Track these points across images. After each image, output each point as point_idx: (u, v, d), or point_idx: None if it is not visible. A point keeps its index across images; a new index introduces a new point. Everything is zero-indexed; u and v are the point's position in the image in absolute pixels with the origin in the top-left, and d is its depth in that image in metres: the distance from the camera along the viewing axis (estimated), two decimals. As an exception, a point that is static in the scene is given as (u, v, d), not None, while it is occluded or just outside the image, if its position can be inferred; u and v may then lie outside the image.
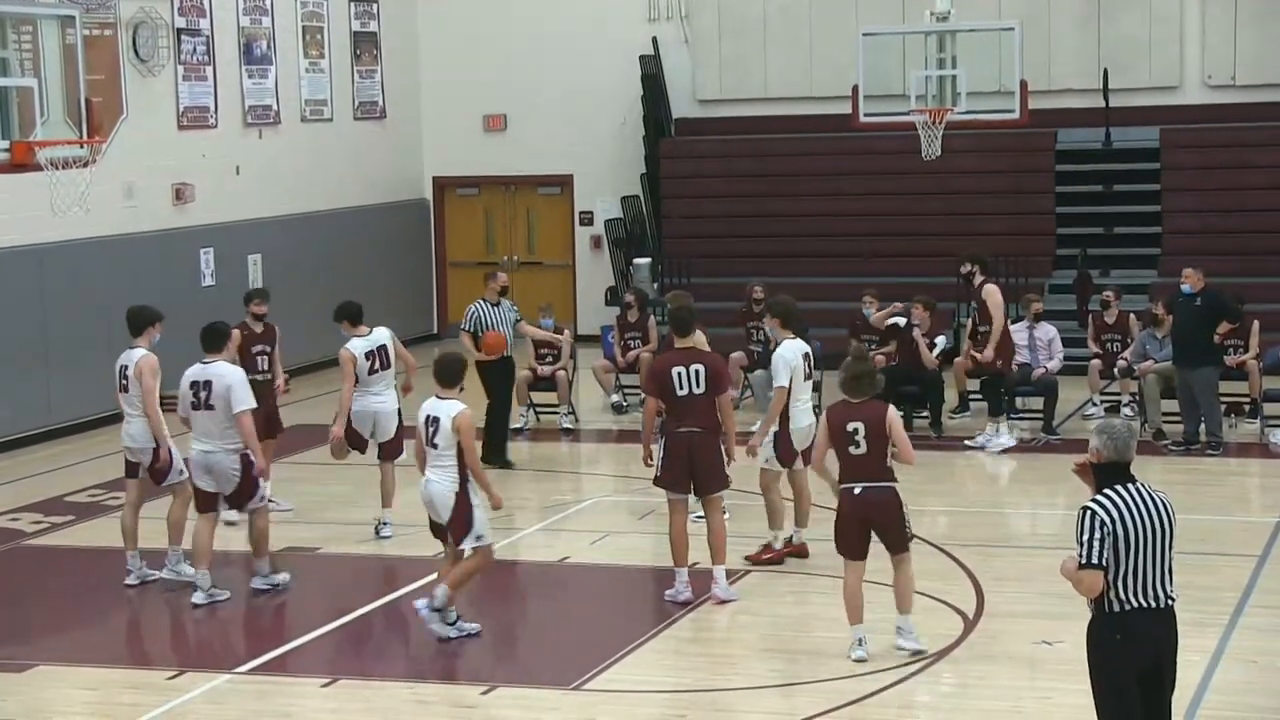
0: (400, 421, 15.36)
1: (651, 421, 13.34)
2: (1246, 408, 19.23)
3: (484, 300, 18.57)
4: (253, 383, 14.10)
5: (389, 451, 15.38)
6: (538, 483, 17.97)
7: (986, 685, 11.34)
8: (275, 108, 24.50)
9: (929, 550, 14.53)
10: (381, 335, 15.43)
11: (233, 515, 14.52)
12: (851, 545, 11.76)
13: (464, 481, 12.08)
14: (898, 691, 11.14)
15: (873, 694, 11.05)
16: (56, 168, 15.33)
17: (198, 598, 13.38)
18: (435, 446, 12.08)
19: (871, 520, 11.72)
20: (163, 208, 22.26)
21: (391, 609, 13.43)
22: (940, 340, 19.71)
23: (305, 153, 25.09)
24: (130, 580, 13.93)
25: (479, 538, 12.16)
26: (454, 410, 12.02)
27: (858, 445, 11.61)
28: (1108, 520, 8.45)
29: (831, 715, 10.72)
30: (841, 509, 11.77)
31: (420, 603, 12.26)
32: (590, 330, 25.74)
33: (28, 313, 20.01)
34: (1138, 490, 8.53)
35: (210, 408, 13.20)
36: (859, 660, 11.60)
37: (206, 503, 13.47)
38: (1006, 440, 18.60)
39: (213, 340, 13.49)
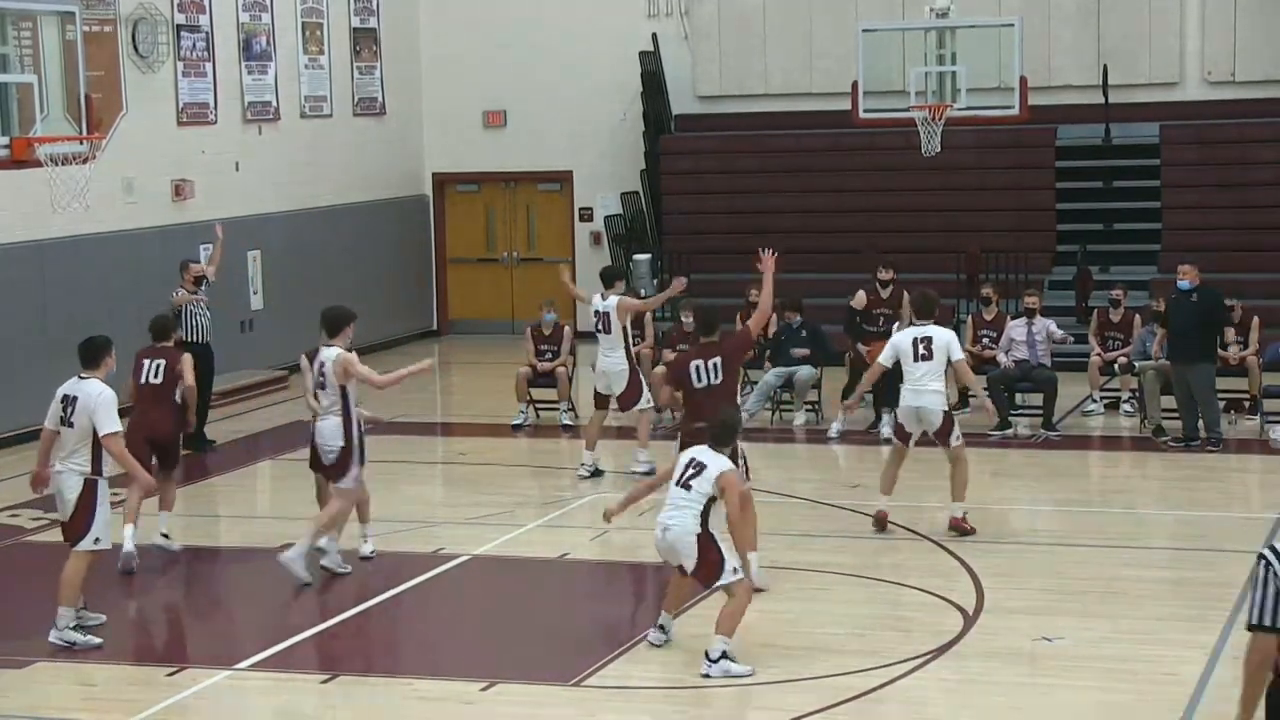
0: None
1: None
2: (1246, 404, 19.23)
3: (182, 288, 18.99)
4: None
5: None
6: (537, 479, 17.98)
7: (987, 681, 11.34)
8: (275, 104, 24.49)
9: (929, 546, 14.55)
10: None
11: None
12: None
13: (705, 525, 11.40)
14: (898, 688, 11.14)
15: (873, 690, 11.05)
16: (56, 164, 15.31)
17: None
18: (688, 489, 11.48)
19: None
20: (162, 204, 22.26)
21: (391, 605, 13.42)
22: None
23: (305, 149, 25.09)
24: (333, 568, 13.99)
25: (734, 570, 11.51)
26: (722, 466, 11.47)
27: None
28: None
29: (832, 711, 10.72)
30: None
31: (708, 670, 11.36)
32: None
33: (28, 308, 20.01)
34: None
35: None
36: None
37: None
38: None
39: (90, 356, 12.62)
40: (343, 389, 13.67)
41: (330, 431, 13.74)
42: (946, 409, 14.85)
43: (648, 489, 12.29)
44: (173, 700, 11.21)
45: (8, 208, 19.49)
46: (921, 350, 14.70)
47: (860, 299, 19.57)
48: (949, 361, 14.88)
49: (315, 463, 14.11)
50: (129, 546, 14.16)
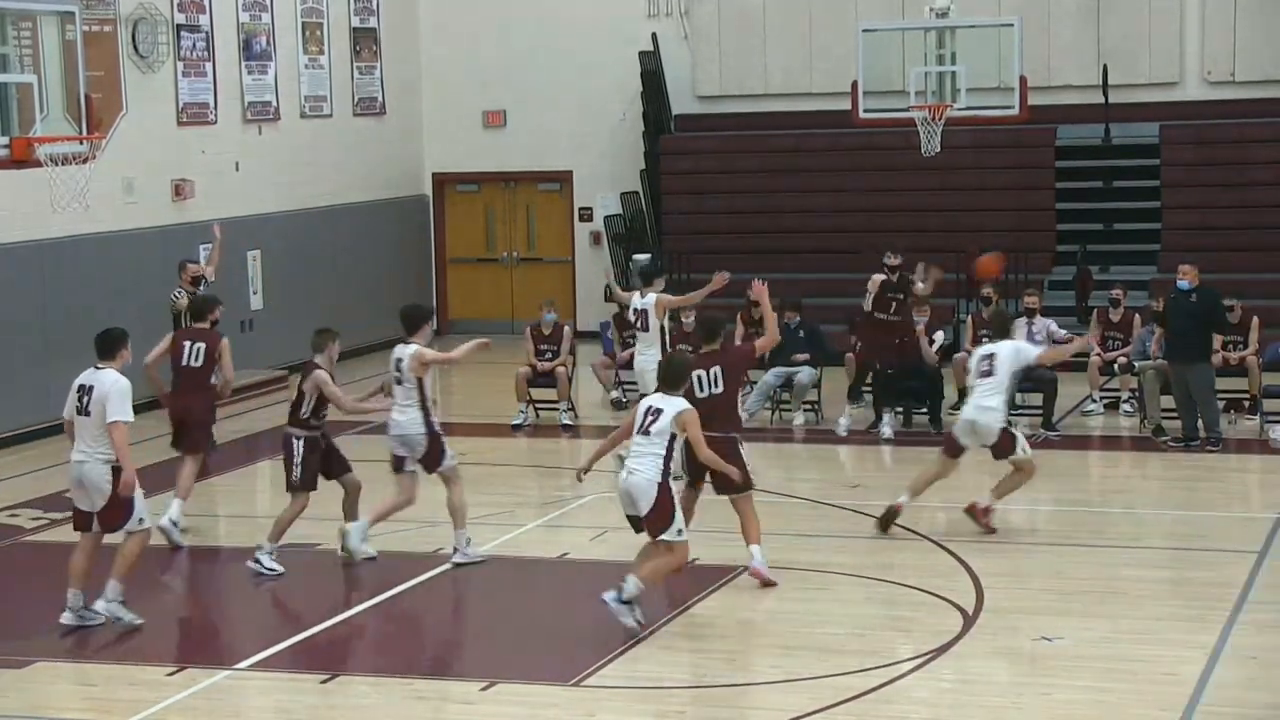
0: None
1: None
2: (1246, 404, 19.22)
3: (181, 289, 18.97)
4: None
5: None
6: (537, 479, 17.99)
7: (986, 681, 11.34)
8: (275, 104, 24.49)
9: (929, 546, 14.55)
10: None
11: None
12: None
13: (666, 474, 12.14)
14: (897, 688, 11.14)
15: (873, 690, 11.05)
16: (56, 164, 15.33)
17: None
18: (647, 434, 12.20)
19: None
20: (162, 204, 22.25)
21: (391, 605, 13.42)
22: (939, 336, 19.72)
23: (305, 149, 25.09)
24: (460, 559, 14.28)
25: (679, 532, 12.23)
26: (679, 406, 12.20)
27: None
28: None
29: (831, 711, 10.72)
30: None
31: (609, 595, 12.21)
32: (590, 326, 25.74)
33: (28, 308, 20.01)
34: None
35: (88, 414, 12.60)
36: None
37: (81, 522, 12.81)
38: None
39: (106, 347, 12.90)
40: (419, 381, 14.08)
41: (411, 423, 14.10)
42: (1005, 426, 14.86)
43: (612, 444, 12.87)
44: (173, 700, 11.21)
45: (8, 208, 19.49)
46: (984, 366, 14.88)
47: (876, 280, 19.19)
48: (1022, 369, 15.11)
49: (398, 464, 14.32)
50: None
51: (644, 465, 12.11)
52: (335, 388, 14.27)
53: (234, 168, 23.61)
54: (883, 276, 19.22)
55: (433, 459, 14.21)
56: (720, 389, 13.33)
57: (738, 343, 18.56)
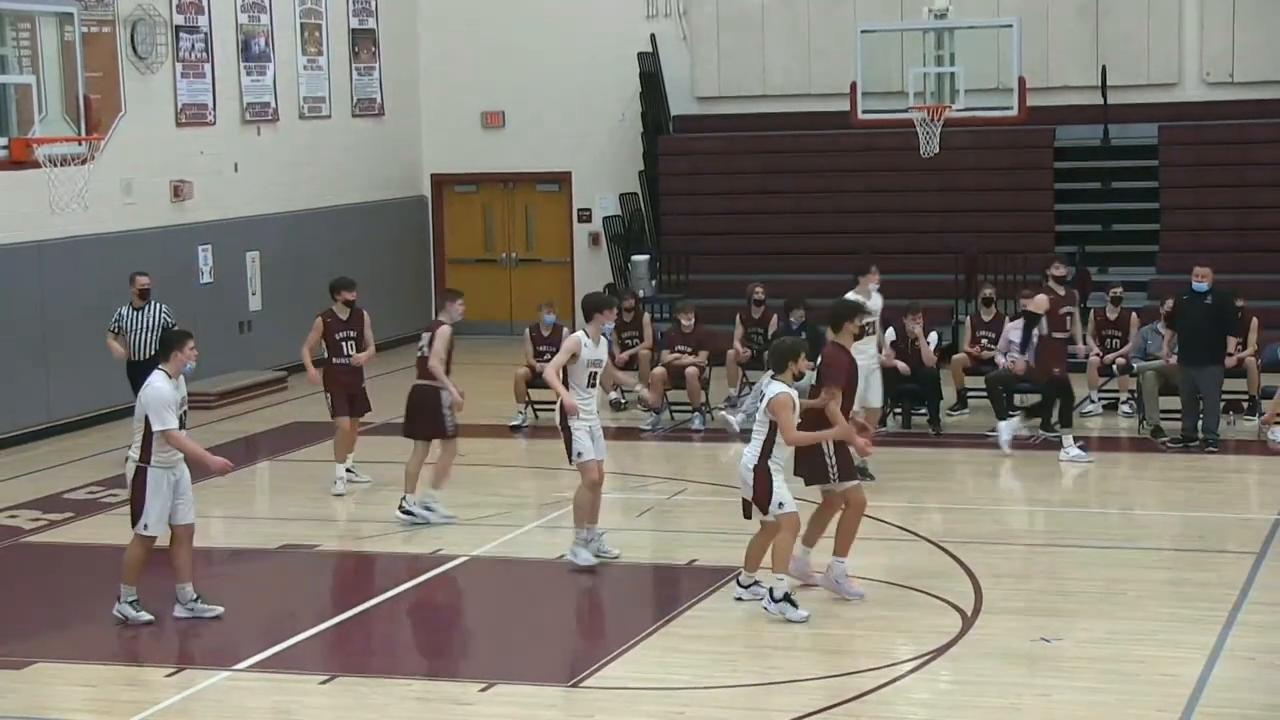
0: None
1: None
2: (1245, 405, 19.22)
3: (129, 306, 18.59)
4: (338, 367, 16.70)
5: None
6: (536, 480, 17.99)
7: (985, 682, 11.34)
8: (273, 105, 24.48)
9: (928, 547, 14.56)
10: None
11: None
12: None
13: (765, 457, 12.38)
14: (896, 688, 11.15)
15: (871, 691, 11.06)
16: (55, 165, 15.32)
17: None
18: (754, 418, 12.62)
19: None
20: (161, 205, 22.25)
21: (391, 605, 13.43)
22: (934, 337, 19.71)
23: (303, 150, 25.08)
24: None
25: (780, 504, 12.49)
26: (773, 391, 12.37)
27: None
28: None
29: (830, 712, 10.72)
30: None
31: (769, 606, 12.50)
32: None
33: (27, 309, 20.01)
34: None
35: None
36: None
37: None
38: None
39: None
40: (564, 370, 14.12)
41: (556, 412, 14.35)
42: None
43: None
44: (173, 700, 11.22)
45: (6, 209, 19.49)
46: None
47: (1042, 302, 17.92)
48: None
49: None
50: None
51: (748, 449, 12.52)
52: (442, 346, 15.42)
53: (233, 169, 23.61)
54: (1047, 301, 17.94)
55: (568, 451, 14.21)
56: None
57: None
